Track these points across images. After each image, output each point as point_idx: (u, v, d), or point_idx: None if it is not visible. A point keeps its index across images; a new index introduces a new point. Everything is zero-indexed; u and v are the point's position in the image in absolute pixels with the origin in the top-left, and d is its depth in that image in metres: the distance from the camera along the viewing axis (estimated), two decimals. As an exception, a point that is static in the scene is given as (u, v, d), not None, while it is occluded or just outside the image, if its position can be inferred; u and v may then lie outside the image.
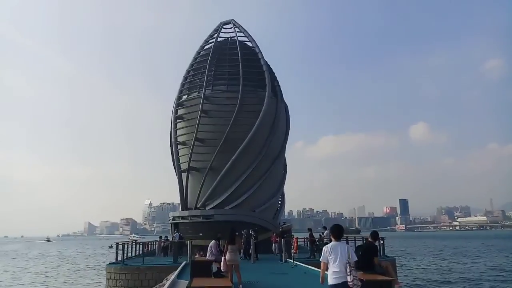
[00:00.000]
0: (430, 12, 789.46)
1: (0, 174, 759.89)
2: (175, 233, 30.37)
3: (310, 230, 26.43)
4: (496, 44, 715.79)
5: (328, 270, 6.36)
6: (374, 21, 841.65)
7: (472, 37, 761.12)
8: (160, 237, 33.36)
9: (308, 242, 25.78)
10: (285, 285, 13.47)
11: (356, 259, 6.47)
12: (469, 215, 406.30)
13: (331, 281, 6.30)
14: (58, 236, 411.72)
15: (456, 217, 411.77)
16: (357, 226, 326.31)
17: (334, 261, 6.26)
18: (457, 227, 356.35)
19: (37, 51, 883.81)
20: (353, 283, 6.12)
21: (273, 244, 26.31)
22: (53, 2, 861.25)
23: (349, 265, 6.19)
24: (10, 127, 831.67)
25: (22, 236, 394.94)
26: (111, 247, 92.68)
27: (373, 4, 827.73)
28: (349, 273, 6.16)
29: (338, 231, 6.57)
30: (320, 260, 6.58)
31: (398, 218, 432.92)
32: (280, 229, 28.01)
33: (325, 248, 6.50)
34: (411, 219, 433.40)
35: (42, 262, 60.66)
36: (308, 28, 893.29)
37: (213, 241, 13.75)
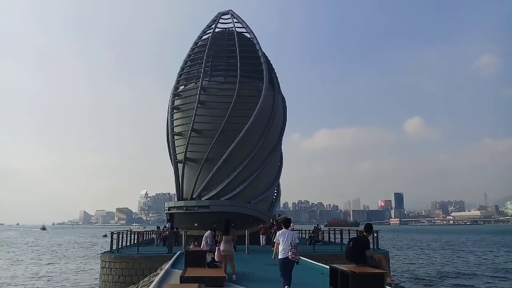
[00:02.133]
0: (423, 8, 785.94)
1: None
2: (166, 223, 30.45)
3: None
4: (490, 40, 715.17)
5: (278, 248, 9.18)
6: (370, 17, 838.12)
7: (466, 33, 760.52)
8: (158, 227, 33.48)
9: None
10: (278, 275, 13.55)
11: (297, 241, 9.27)
12: (463, 210, 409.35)
13: (279, 256, 9.12)
14: (53, 224, 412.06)
15: (450, 212, 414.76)
16: (351, 219, 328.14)
17: (282, 242, 9.07)
18: (451, 222, 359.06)
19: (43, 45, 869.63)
20: (291, 256, 8.88)
21: (261, 236, 26.34)
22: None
23: (291, 245, 8.94)
24: (9, 117, 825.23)
25: (18, 224, 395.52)
26: (105, 236, 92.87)
27: (369, 1, 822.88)
28: (289, 250, 8.90)
29: (286, 222, 9.81)
30: (274, 241, 9.85)
31: (392, 212, 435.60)
32: (271, 221, 27.89)
33: (277, 234, 9.51)
34: (405, 212, 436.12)
35: (36, 250, 60.77)
36: (305, 23, 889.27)
37: (208, 231, 13.78)
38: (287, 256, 8.93)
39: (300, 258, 9.44)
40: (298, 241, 9.40)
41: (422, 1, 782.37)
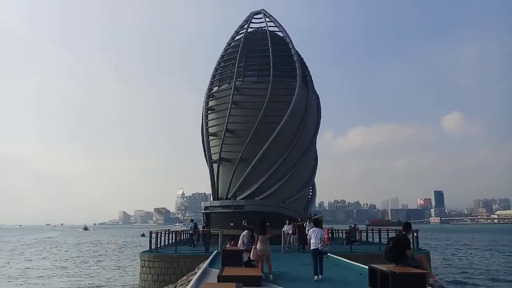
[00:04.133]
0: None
1: (42, 168, 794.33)
2: (190, 223, 30.22)
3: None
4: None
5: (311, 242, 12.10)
6: (404, 10, 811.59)
7: (504, 21, 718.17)
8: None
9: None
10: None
11: (325, 236, 12.60)
12: (509, 208, 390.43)
13: (311, 247, 11.97)
14: (94, 224, 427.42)
15: (494, 210, 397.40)
16: (389, 218, 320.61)
17: (313, 237, 11.95)
18: (496, 220, 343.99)
19: (83, 55, 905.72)
20: (321, 248, 11.82)
21: (292, 236, 25.79)
22: (97, 5, 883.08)
23: (320, 239, 11.86)
24: (51, 124, 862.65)
25: (62, 224, 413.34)
26: (143, 235, 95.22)
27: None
28: (319, 243, 11.80)
29: (317, 221, 13.81)
30: (307, 237, 12.84)
31: (432, 210, 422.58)
32: (286, 221, 26.93)
33: (310, 231, 12.56)
34: (446, 211, 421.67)
35: (80, 249, 63.13)
36: (337, 17, 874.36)
37: (245, 231, 13.82)
38: (317, 248, 11.77)
39: (327, 250, 12.93)
40: (326, 236, 12.82)
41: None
